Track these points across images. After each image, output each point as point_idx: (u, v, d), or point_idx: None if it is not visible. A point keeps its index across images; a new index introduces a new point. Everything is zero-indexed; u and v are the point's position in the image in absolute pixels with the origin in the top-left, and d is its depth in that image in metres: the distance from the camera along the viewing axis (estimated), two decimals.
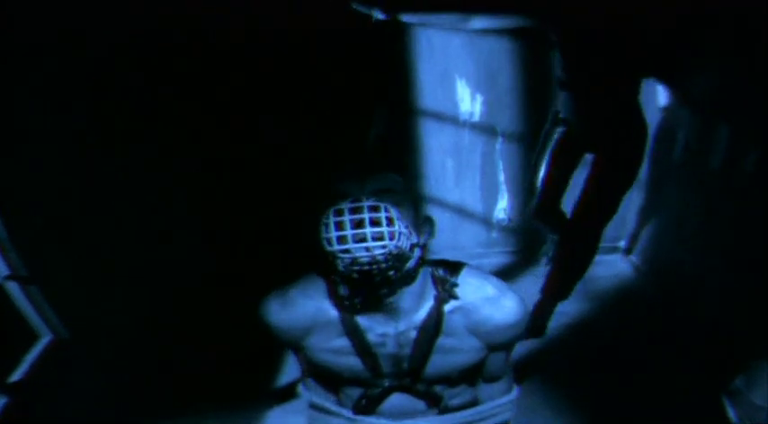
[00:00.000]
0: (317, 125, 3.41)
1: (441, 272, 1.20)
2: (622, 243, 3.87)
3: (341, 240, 0.97)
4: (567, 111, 2.12)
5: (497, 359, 1.31)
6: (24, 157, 2.43)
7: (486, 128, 3.63)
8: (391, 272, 1.03)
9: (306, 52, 3.26)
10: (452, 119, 3.62)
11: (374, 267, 0.99)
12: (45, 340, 2.71)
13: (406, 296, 1.13)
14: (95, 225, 2.82)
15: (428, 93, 3.55)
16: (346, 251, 0.97)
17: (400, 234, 0.99)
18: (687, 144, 3.04)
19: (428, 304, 1.18)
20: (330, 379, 1.35)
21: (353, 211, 0.98)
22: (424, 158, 3.70)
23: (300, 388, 1.46)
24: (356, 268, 0.99)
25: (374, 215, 0.98)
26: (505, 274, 3.64)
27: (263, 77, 3.33)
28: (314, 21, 3.04)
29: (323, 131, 3.40)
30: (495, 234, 3.97)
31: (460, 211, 3.88)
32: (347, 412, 1.34)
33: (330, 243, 0.98)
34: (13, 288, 2.54)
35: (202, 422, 2.55)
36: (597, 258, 2.93)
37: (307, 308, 1.22)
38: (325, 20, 3.05)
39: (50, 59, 2.54)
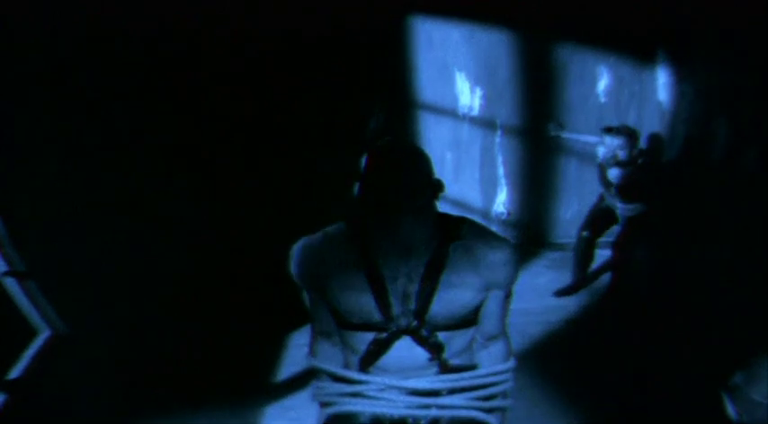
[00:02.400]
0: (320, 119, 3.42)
1: (447, 218, 1.48)
2: None
3: (385, 169, 1.34)
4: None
5: (494, 306, 1.47)
6: (24, 157, 2.44)
7: (485, 122, 3.62)
8: (408, 203, 1.33)
9: (305, 49, 3.25)
10: (452, 113, 3.60)
11: (403, 188, 1.32)
12: (44, 335, 2.71)
13: (417, 234, 1.39)
14: (95, 223, 2.81)
15: (427, 87, 3.53)
16: (387, 175, 1.33)
17: (421, 169, 1.36)
18: (686, 142, 3.03)
19: (435, 244, 1.42)
20: (342, 325, 1.46)
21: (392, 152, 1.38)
22: None
23: (308, 358, 1.55)
24: (391, 189, 1.32)
25: (404, 153, 1.38)
26: None
27: (262, 73, 3.32)
28: (314, 20, 3.03)
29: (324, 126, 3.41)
30: (493, 228, 3.95)
31: (459, 204, 3.87)
32: (352, 374, 1.46)
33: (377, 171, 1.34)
34: (11, 284, 2.54)
35: (202, 421, 2.56)
36: (598, 253, 3.45)
37: (329, 246, 1.43)
38: (324, 19, 3.05)
39: (51, 63, 2.55)
